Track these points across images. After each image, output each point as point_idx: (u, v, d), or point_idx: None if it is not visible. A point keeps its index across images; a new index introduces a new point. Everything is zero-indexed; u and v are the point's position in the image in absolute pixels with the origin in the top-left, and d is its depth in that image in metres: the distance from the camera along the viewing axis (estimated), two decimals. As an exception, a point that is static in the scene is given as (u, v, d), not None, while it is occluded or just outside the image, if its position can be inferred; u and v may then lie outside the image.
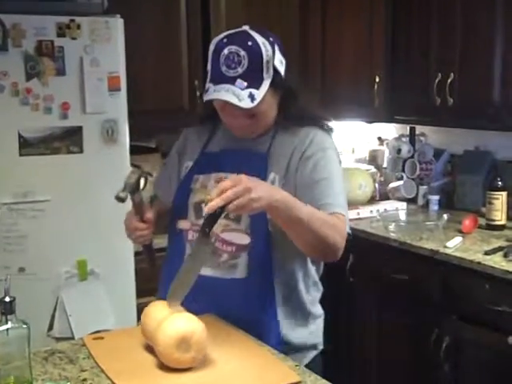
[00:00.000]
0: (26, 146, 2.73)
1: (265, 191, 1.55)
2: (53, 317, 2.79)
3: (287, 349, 1.77)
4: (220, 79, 1.69)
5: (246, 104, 1.68)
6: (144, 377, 1.49)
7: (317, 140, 1.81)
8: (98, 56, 2.82)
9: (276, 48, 1.74)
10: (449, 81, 3.10)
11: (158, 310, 1.62)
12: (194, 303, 1.70)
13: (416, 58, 3.33)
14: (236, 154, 1.84)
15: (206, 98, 1.72)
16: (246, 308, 1.77)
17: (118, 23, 2.86)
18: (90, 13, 2.85)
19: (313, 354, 1.90)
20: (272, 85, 1.73)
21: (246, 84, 1.68)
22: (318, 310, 1.93)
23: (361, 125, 3.96)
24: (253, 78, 1.69)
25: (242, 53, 1.68)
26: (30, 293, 2.63)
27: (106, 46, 2.83)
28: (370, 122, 3.82)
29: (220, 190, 1.51)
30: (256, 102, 1.69)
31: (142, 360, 1.57)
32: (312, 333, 1.89)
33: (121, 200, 1.73)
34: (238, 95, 1.67)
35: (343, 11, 3.65)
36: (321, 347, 1.94)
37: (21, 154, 2.73)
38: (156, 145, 3.82)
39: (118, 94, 2.88)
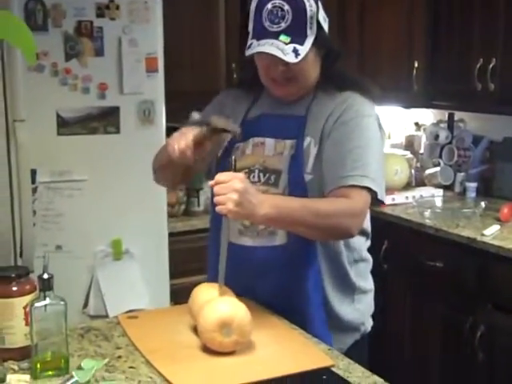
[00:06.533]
0: (64, 125, 2.76)
1: (252, 203, 1.51)
2: (88, 295, 2.82)
3: (332, 324, 1.75)
4: (263, 34, 1.66)
5: (291, 58, 1.65)
6: (178, 356, 1.50)
7: (355, 106, 1.75)
8: (137, 37, 2.82)
9: (319, 4, 1.71)
10: (490, 66, 3.04)
11: (203, 293, 1.62)
12: (237, 275, 1.70)
13: (457, 42, 3.26)
14: (274, 118, 1.80)
15: (248, 52, 1.68)
16: (289, 275, 1.74)
17: (156, 4, 2.85)
18: (129, -7, 2.86)
19: (358, 334, 1.84)
20: (315, 42, 1.69)
21: (289, 39, 1.65)
22: (366, 284, 1.87)
23: (397, 110, 3.91)
24: (297, 33, 1.66)
25: (286, 7, 1.65)
26: (65, 270, 2.65)
27: (144, 27, 2.83)
28: (408, 107, 3.77)
29: (215, 181, 1.51)
30: (300, 58, 1.65)
31: (176, 340, 1.59)
32: (358, 310, 1.83)
33: (192, 119, 1.68)
34: (283, 49, 1.64)
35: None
36: (368, 328, 1.87)
37: (59, 134, 2.76)
38: (192, 127, 3.82)
39: (156, 75, 2.88)
